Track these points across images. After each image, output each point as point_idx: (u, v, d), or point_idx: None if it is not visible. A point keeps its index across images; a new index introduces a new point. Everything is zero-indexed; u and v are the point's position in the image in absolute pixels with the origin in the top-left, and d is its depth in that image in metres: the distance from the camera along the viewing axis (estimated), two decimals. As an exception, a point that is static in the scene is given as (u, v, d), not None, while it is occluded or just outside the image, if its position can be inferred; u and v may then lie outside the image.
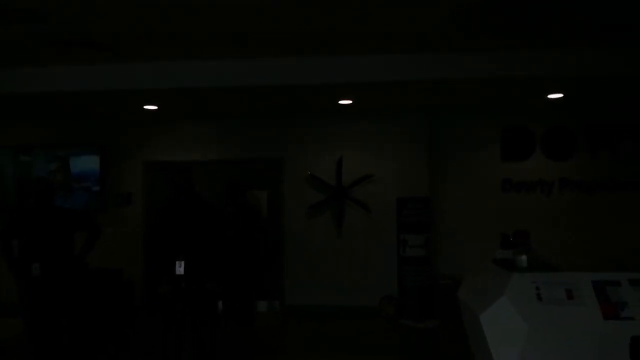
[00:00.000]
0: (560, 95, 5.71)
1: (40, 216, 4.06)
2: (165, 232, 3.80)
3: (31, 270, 3.93)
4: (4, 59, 4.86)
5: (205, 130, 6.91)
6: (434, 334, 5.72)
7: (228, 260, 4.21)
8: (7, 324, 3.99)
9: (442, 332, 5.73)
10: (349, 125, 6.72)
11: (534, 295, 3.06)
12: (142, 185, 6.95)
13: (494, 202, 6.55)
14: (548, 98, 5.85)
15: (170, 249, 3.72)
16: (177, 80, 5.21)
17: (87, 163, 6.85)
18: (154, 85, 5.26)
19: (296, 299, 6.67)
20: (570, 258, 5.31)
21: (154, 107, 6.21)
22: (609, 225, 6.38)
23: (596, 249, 6.21)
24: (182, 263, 3.59)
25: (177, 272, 3.58)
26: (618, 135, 6.49)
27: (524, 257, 3.30)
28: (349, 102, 5.99)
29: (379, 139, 6.69)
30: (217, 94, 5.54)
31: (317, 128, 6.77)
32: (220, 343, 4.42)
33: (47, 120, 6.95)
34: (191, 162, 6.40)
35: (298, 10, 3.71)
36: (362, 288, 6.54)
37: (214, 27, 4.09)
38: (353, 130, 6.73)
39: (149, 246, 4.20)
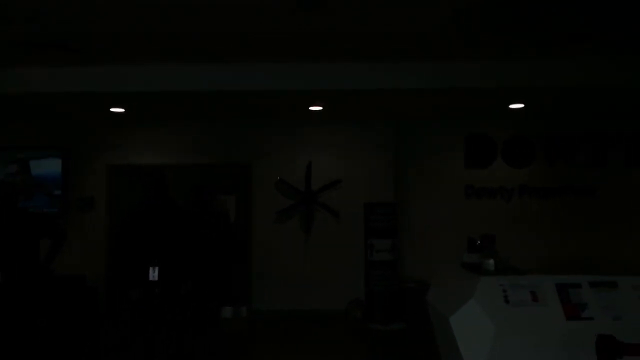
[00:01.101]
0: (522, 105, 5.96)
1: (3, 221, 3.92)
2: (139, 236, 3.74)
3: (-7, 278, 3.78)
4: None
5: (172, 134, 6.82)
6: (402, 336, 5.83)
7: (201, 263, 4.18)
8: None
9: (410, 335, 5.85)
10: (319, 131, 6.80)
11: (502, 298, 3.19)
12: (106, 190, 6.78)
13: (457, 207, 6.76)
14: (510, 108, 6.09)
15: (143, 254, 3.67)
16: (144, 84, 5.16)
17: (48, 166, 6.64)
18: (120, 88, 5.19)
19: (264, 303, 6.67)
20: (529, 261, 5.53)
21: (121, 110, 6.10)
22: (565, 229, 6.70)
23: (554, 252, 6.50)
24: (157, 269, 3.54)
25: (151, 278, 3.53)
26: (573, 144, 6.82)
27: (491, 261, 3.44)
28: (319, 108, 6.05)
29: (348, 145, 6.79)
30: (186, 97, 5.50)
31: (286, 133, 6.81)
32: (189, 349, 4.37)
33: (6, 121, 6.70)
34: (158, 166, 6.32)
35: (269, 16, 3.74)
36: (330, 292, 6.60)
37: (183, 31, 4.07)
38: (322, 136, 6.81)
39: (119, 251, 4.12)
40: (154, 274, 3.53)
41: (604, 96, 5.67)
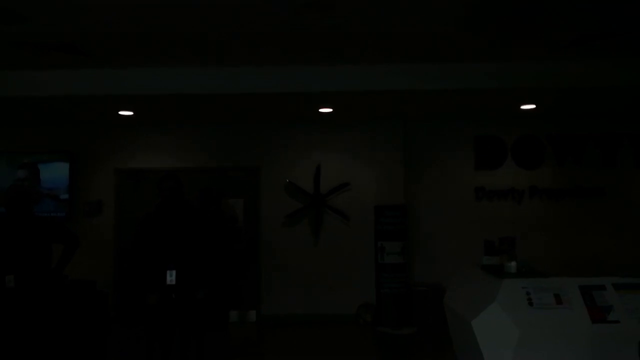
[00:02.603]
0: (533, 106, 5.92)
1: (16, 225, 3.87)
2: (154, 240, 3.69)
3: (5, 283, 3.73)
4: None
5: (181, 138, 6.78)
6: (412, 340, 5.78)
7: (215, 267, 4.14)
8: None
9: (420, 339, 5.80)
10: (328, 133, 6.75)
11: (525, 301, 3.14)
12: (114, 194, 6.74)
13: (468, 209, 6.71)
14: (520, 109, 6.05)
15: (159, 257, 3.62)
16: (153, 86, 5.12)
17: (56, 170, 6.59)
18: (129, 91, 5.15)
19: (273, 308, 6.61)
20: (543, 263, 5.49)
21: (130, 113, 6.06)
22: (575, 230, 6.65)
23: (567, 253, 6.45)
24: (174, 272, 3.49)
25: (169, 282, 3.48)
26: (583, 145, 6.78)
27: (513, 264, 3.40)
28: (329, 110, 6.01)
29: (357, 147, 6.75)
30: (194, 100, 5.46)
31: (295, 136, 6.77)
32: (200, 354, 4.32)
33: (13, 125, 6.65)
34: (166, 170, 6.27)
35: (276, 18, 3.70)
36: (340, 296, 6.55)
37: (191, 34, 4.03)
38: (331, 138, 6.77)
39: (133, 254, 4.06)
40: (171, 277, 3.48)
41: (614, 96, 5.64)
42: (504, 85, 5.10)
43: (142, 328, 3.95)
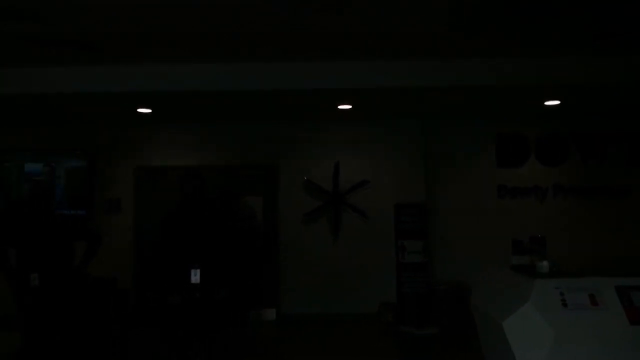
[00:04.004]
0: (557, 102, 5.80)
1: (38, 223, 3.87)
2: (178, 239, 3.65)
3: (30, 281, 3.73)
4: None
5: (198, 136, 6.76)
6: (434, 340, 5.69)
7: (236, 266, 4.09)
8: (5, 338, 3.75)
9: (442, 339, 5.71)
10: (346, 131, 6.69)
11: (559, 301, 3.05)
12: (133, 192, 6.73)
13: (490, 207, 6.60)
14: (545, 105, 5.93)
15: (182, 256, 3.58)
16: (171, 83, 5.07)
17: (75, 168, 6.60)
18: (147, 88, 5.11)
19: (292, 306, 6.57)
20: (568, 262, 5.38)
21: (148, 111, 6.04)
22: (601, 229, 6.50)
23: (592, 253, 6.30)
24: (198, 271, 3.45)
25: (193, 281, 3.44)
26: (608, 142, 6.63)
27: (545, 263, 3.30)
28: (348, 107, 5.94)
29: (376, 145, 6.67)
30: (212, 97, 5.41)
31: (313, 134, 6.71)
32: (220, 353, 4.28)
33: (32, 124, 6.68)
34: (184, 168, 6.25)
35: (297, 13, 3.64)
36: (360, 295, 6.48)
37: (209, 29, 3.97)
38: (350, 136, 6.70)
39: (154, 253, 4.04)
40: (195, 276, 3.44)
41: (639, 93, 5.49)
42: (528, 82, 4.99)
43: (162, 327, 3.91)
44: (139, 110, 6.01)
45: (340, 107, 5.95)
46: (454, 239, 6.59)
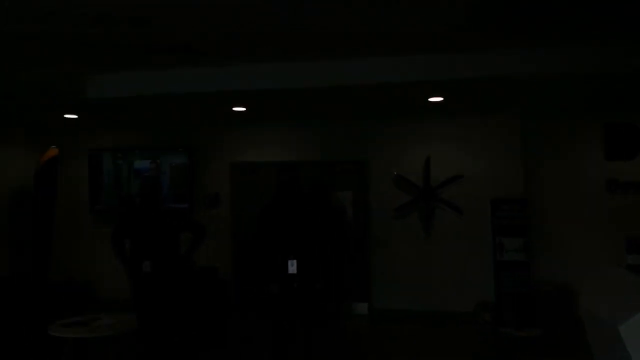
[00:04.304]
0: (679, 87, 5.23)
1: (149, 216, 4.18)
2: (275, 231, 3.78)
3: (142, 268, 4.04)
4: (108, 65, 5.04)
5: (291, 132, 6.92)
6: (536, 343, 5.39)
7: (331, 258, 4.16)
8: (122, 319, 4.10)
9: (545, 342, 5.40)
10: (438, 124, 6.52)
11: (687, 306, 2.75)
12: (230, 186, 7.05)
13: (599, 203, 6.12)
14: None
15: (280, 248, 3.70)
16: (264, 82, 5.19)
17: (177, 165, 7.06)
18: (241, 87, 5.28)
19: (384, 302, 6.54)
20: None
21: (243, 109, 6.28)
22: None
23: None
24: (295, 262, 3.55)
25: (290, 271, 3.55)
26: None
27: (669, 263, 2.99)
28: (440, 99, 5.78)
29: (470, 137, 6.44)
30: (304, 94, 5.49)
31: (404, 128, 6.62)
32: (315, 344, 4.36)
33: (139, 125, 7.22)
34: (277, 163, 6.44)
35: (391, 9, 3.57)
36: (455, 293, 6.30)
37: (302, 28, 4.01)
38: (442, 129, 6.53)
39: (253, 244, 4.21)
40: (292, 267, 3.55)
41: None
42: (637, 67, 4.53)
43: (263, 317, 4.06)
44: (234, 108, 6.28)
45: (431, 99, 5.80)
46: (558, 237, 6.18)
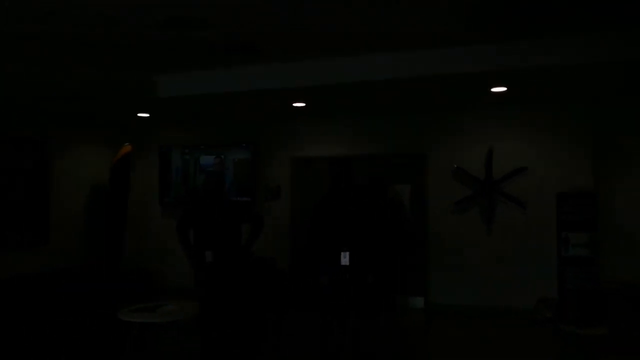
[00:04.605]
0: None
1: (212, 209, 4.40)
2: (328, 223, 3.88)
3: (205, 258, 4.27)
4: (173, 65, 5.33)
5: (349, 126, 6.99)
6: (602, 342, 5.16)
7: (383, 251, 4.20)
8: (186, 306, 4.37)
9: (612, 341, 5.15)
10: (499, 115, 6.34)
11: None
12: (290, 180, 7.24)
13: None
14: None
15: (332, 240, 3.80)
16: (322, 77, 5.26)
17: (241, 159, 7.34)
18: (300, 84, 5.37)
19: (441, 296, 6.48)
20: None
21: (302, 104, 6.42)
22: None
23: None
24: (347, 254, 3.64)
25: (343, 263, 3.64)
26: None
27: None
28: (502, 89, 5.62)
29: (535, 129, 6.22)
30: (362, 88, 5.52)
31: (464, 120, 6.50)
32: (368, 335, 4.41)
33: (203, 121, 7.57)
34: (335, 158, 6.54)
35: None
36: (515, 289, 6.13)
37: (355, 25, 4.03)
38: (503, 120, 6.34)
39: (308, 236, 4.34)
40: (345, 259, 3.63)
41: None
42: None
43: (316, 309, 4.17)
44: (295, 104, 6.43)
45: (494, 90, 5.65)
46: (631, 233, 5.84)
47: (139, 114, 7.16)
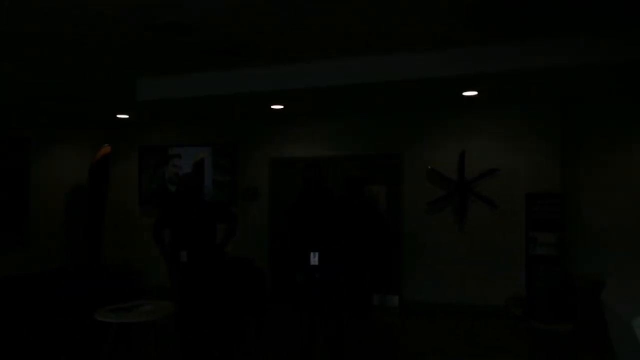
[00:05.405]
0: None
1: (188, 209, 4.46)
2: (300, 224, 4.00)
3: (179, 257, 4.34)
4: (157, 69, 5.39)
5: (325, 128, 7.11)
6: (568, 338, 5.36)
7: (355, 251, 4.32)
8: (164, 306, 4.44)
9: (578, 337, 5.35)
10: (472, 117, 6.51)
11: (700, 302, 2.74)
12: (268, 181, 7.34)
13: (637, 198, 5.93)
14: None
15: (304, 240, 3.91)
16: (300, 81, 5.35)
17: (220, 160, 7.43)
18: (279, 87, 5.47)
19: (415, 294, 6.64)
20: None
21: (280, 107, 6.53)
22: None
23: None
24: (317, 254, 3.76)
25: (312, 263, 3.76)
26: None
27: (686, 260, 2.97)
28: (474, 93, 5.79)
29: (506, 131, 6.39)
30: (338, 91, 5.62)
31: (438, 122, 6.65)
32: (345, 333, 4.53)
33: (184, 122, 7.63)
34: (313, 158, 6.64)
35: (419, 8, 3.65)
36: (486, 286, 6.31)
37: (334, 28, 4.13)
38: (476, 122, 6.51)
39: (282, 237, 4.44)
40: (314, 259, 3.75)
41: None
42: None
43: (294, 307, 4.28)
44: (273, 106, 6.53)
45: (465, 94, 5.82)
46: (597, 233, 6.04)
47: (119, 115, 7.20)
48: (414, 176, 6.73)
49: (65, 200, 7.39)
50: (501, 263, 6.28)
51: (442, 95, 5.98)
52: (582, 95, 5.94)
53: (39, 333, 5.28)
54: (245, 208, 7.34)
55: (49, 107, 6.62)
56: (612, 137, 6.13)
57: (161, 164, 7.71)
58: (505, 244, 6.27)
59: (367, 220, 6.28)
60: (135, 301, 4.64)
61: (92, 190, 7.13)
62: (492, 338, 5.40)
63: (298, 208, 4.11)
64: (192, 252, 4.33)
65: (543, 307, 5.70)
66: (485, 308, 6.24)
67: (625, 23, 4.16)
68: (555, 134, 6.21)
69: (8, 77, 5.30)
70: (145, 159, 7.81)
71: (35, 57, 4.68)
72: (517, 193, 6.18)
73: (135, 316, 4.22)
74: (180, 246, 4.37)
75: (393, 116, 6.80)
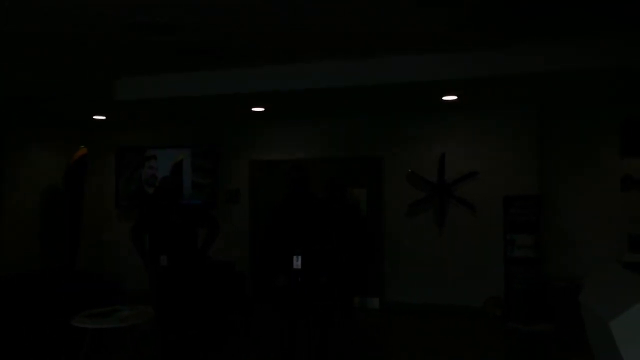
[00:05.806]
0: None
1: (168, 212, 4.39)
2: (283, 227, 3.98)
3: (159, 262, 4.27)
4: (136, 69, 5.30)
5: (307, 130, 7.10)
6: (546, 338, 5.45)
7: (337, 254, 4.32)
8: (140, 310, 4.36)
9: (556, 337, 5.45)
10: (452, 121, 6.58)
11: (675, 303, 2.80)
12: (249, 183, 7.29)
13: (613, 200, 6.08)
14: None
15: (286, 244, 3.89)
16: (281, 83, 5.33)
17: (201, 162, 7.35)
18: (260, 89, 5.44)
19: (396, 296, 6.67)
20: None
21: (261, 109, 6.49)
22: None
23: None
24: (299, 257, 3.74)
25: (295, 266, 3.74)
26: None
27: (661, 262, 3.05)
28: (454, 97, 5.85)
29: (485, 135, 6.48)
30: (320, 94, 5.63)
31: (418, 125, 6.70)
32: (326, 336, 4.53)
33: (164, 123, 7.53)
34: (295, 161, 6.61)
35: (397, 10, 3.67)
36: (466, 288, 6.39)
37: (316, 29, 4.13)
38: (456, 126, 6.59)
39: (264, 239, 4.40)
40: (297, 262, 3.73)
41: None
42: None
43: (275, 310, 4.25)
44: (253, 109, 6.49)
45: (445, 98, 5.88)
46: (573, 234, 6.18)
47: (95, 117, 7.06)
48: (394, 179, 6.77)
49: (40, 201, 7.21)
50: (480, 264, 6.36)
51: (423, 99, 6.03)
52: (559, 100, 6.06)
53: (14, 338, 5.13)
54: (226, 211, 7.27)
55: (22, 106, 6.45)
56: (587, 141, 6.27)
57: (138, 165, 7.58)
58: (484, 245, 6.35)
59: (348, 222, 6.28)
60: (114, 305, 4.55)
61: (68, 192, 6.97)
62: (472, 338, 5.47)
63: (285, 209, 4.08)
64: (172, 256, 4.26)
65: (521, 308, 5.79)
66: (465, 309, 6.31)
67: (602, 30, 4.27)
68: (532, 137, 6.32)
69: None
70: (122, 160, 7.67)
71: (7, 56, 4.55)
72: (495, 196, 6.26)
73: (113, 321, 4.14)
74: (159, 250, 4.30)
75: (374, 120, 6.83)
